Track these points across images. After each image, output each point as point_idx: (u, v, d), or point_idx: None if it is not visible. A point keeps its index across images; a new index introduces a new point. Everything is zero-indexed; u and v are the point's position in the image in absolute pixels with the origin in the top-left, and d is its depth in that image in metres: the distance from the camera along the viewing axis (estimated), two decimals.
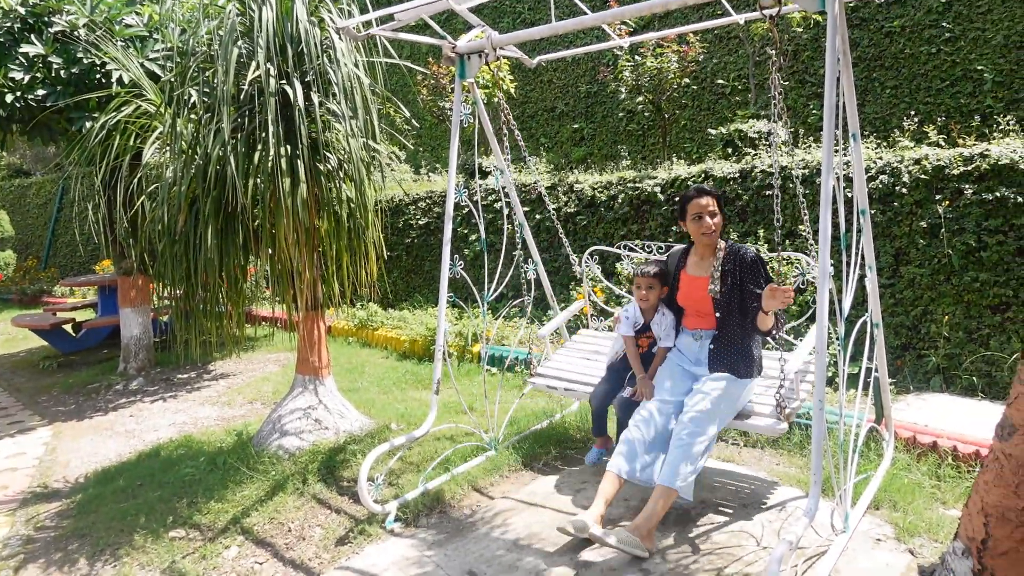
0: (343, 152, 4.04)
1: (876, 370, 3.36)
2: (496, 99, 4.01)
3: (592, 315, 4.76)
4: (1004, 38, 6.51)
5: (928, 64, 6.98)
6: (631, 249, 4.42)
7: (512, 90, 8.50)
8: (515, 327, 6.34)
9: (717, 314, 3.27)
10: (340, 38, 3.82)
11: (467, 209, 7.46)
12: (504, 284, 4.17)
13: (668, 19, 8.70)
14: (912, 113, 6.91)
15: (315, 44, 3.72)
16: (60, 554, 3.32)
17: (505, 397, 4.73)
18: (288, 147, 3.76)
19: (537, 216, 6.93)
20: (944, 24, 6.83)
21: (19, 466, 4.63)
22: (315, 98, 3.77)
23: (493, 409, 4.12)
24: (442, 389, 3.61)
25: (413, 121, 5.37)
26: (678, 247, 3.60)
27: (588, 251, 4.55)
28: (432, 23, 3.71)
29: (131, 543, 3.32)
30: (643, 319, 3.62)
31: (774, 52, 2.72)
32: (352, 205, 4.17)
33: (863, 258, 3.06)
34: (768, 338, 3.20)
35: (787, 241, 5.25)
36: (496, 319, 6.14)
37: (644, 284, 3.53)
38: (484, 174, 7.84)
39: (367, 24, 3.67)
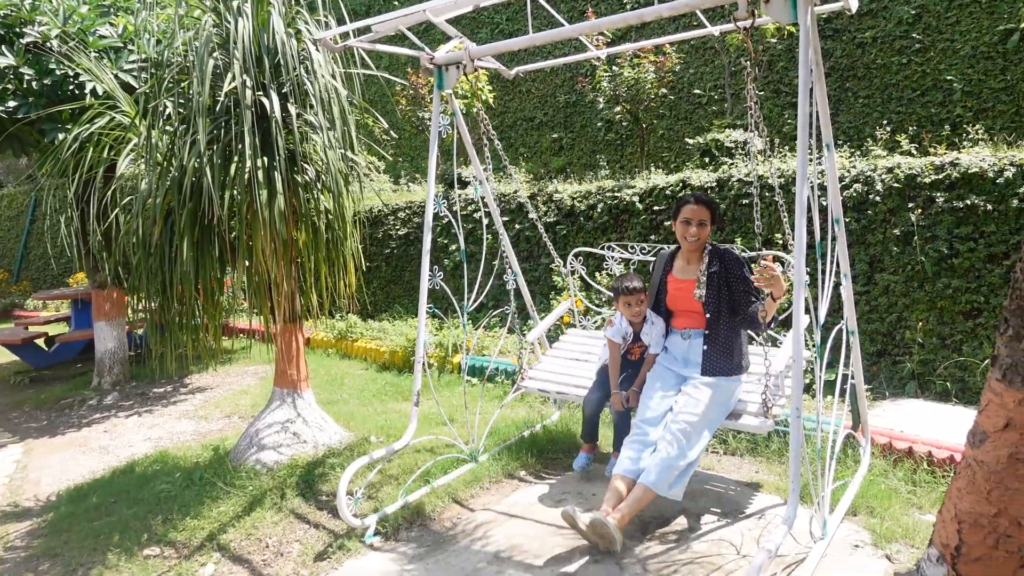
0: (321, 163, 4.02)
1: (852, 377, 3.39)
2: (475, 109, 4.01)
3: (579, 313, 4.79)
4: (972, 49, 6.64)
5: (899, 74, 7.11)
6: (616, 249, 4.48)
7: (491, 100, 8.52)
8: (495, 337, 6.33)
9: (707, 314, 3.37)
10: (317, 49, 3.81)
11: (447, 220, 7.45)
12: (484, 294, 4.16)
13: (645, 30, 8.78)
14: (884, 122, 7.03)
15: (292, 55, 3.70)
16: (30, 575, 3.25)
17: (486, 408, 4.71)
18: (265, 159, 3.73)
19: (517, 226, 6.94)
20: (914, 35, 6.96)
21: None
22: (292, 109, 3.75)
23: (474, 420, 4.10)
24: (422, 400, 3.58)
25: (392, 132, 5.36)
26: (665, 250, 3.70)
27: (573, 252, 4.69)
28: (410, 34, 3.70)
29: (104, 562, 3.25)
30: (632, 330, 3.65)
31: (748, 64, 2.75)
32: (330, 216, 4.14)
33: (838, 266, 3.10)
34: (757, 331, 3.32)
35: (764, 248, 5.31)
36: (477, 329, 6.12)
37: (635, 300, 3.57)
38: (464, 184, 7.84)
39: (344, 35, 3.66)
